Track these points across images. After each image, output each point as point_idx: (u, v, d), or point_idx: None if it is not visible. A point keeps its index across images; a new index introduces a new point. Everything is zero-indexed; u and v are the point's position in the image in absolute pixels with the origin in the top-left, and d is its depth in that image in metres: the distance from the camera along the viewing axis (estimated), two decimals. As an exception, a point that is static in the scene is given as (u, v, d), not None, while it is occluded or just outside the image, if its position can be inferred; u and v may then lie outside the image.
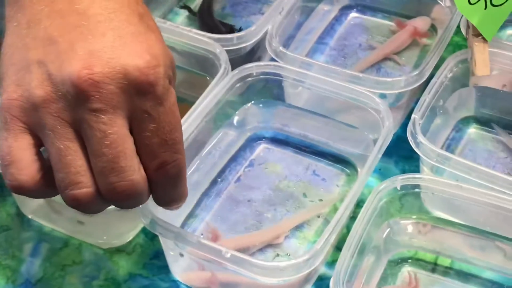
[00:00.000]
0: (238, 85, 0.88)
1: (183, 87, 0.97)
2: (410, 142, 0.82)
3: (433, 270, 0.80)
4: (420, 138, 0.81)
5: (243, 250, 0.79)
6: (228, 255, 0.69)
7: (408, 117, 0.95)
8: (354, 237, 0.72)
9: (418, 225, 0.81)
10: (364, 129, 0.89)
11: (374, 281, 0.78)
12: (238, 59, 0.95)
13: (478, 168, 0.78)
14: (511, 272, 0.78)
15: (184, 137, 0.80)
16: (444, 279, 0.79)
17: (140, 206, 0.72)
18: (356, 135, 0.90)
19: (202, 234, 0.82)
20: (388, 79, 0.88)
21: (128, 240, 0.84)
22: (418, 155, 0.83)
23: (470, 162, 0.79)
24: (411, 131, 0.81)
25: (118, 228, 0.83)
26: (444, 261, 0.80)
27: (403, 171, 0.91)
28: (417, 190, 0.78)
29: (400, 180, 0.78)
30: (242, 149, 0.92)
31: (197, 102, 0.84)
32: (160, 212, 0.79)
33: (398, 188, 0.77)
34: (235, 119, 0.92)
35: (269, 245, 0.82)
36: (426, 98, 0.85)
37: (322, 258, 0.70)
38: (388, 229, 0.80)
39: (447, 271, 0.80)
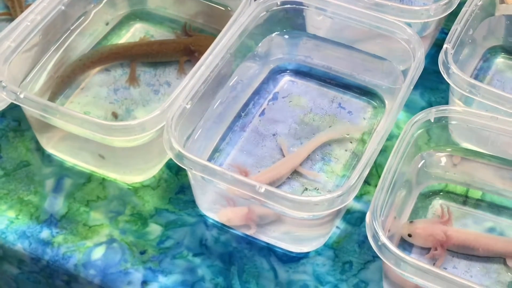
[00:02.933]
0: (261, 15, 0.85)
1: (202, 18, 0.95)
2: (442, 72, 0.80)
3: (464, 203, 0.79)
4: (453, 68, 0.78)
5: (274, 182, 0.78)
6: (262, 190, 0.68)
7: (433, 47, 0.93)
8: (389, 173, 0.70)
9: (451, 157, 0.79)
10: (392, 60, 0.86)
11: (406, 214, 0.77)
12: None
13: (510, 97, 0.76)
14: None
15: (209, 71, 0.78)
16: (476, 211, 0.78)
17: (167, 138, 0.70)
18: (383, 66, 0.87)
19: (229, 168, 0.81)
20: (416, 7, 0.85)
21: (152, 175, 0.82)
22: (445, 86, 0.81)
23: (503, 92, 0.77)
24: (443, 60, 0.79)
25: (142, 163, 0.81)
26: (475, 194, 0.79)
27: (429, 103, 0.89)
28: (453, 122, 0.76)
29: (434, 112, 0.76)
30: (265, 81, 0.89)
31: (221, 33, 0.82)
32: (186, 147, 0.77)
33: (432, 121, 0.76)
34: (258, 50, 0.89)
35: (297, 179, 0.80)
36: (457, 27, 0.82)
37: (355, 194, 0.69)
38: (422, 161, 0.78)
39: (478, 203, 0.79)
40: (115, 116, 0.85)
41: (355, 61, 0.89)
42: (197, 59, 0.80)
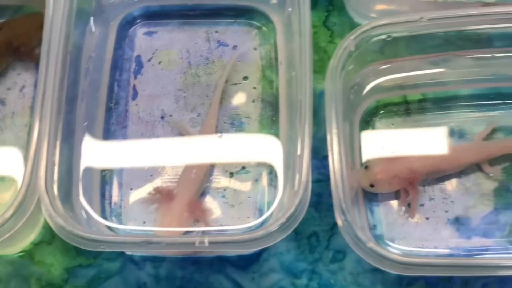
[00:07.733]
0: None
1: None
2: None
3: (407, 112, 0.67)
4: None
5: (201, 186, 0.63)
6: (206, 243, 0.53)
7: None
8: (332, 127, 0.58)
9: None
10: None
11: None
12: None
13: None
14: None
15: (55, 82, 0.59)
16: (424, 116, 0.66)
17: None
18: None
19: (144, 222, 0.62)
20: None
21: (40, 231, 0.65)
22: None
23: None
24: None
25: (19, 237, 0.63)
26: (414, 97, 0.67)
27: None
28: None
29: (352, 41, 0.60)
30: (118, 46, 0.69)
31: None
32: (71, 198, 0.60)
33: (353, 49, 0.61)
34: (93, 9, 0.68)
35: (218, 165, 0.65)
36: None
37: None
38: (353, 84, 0.65)
39: (422, 105, 0.67)
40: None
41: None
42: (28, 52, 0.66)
